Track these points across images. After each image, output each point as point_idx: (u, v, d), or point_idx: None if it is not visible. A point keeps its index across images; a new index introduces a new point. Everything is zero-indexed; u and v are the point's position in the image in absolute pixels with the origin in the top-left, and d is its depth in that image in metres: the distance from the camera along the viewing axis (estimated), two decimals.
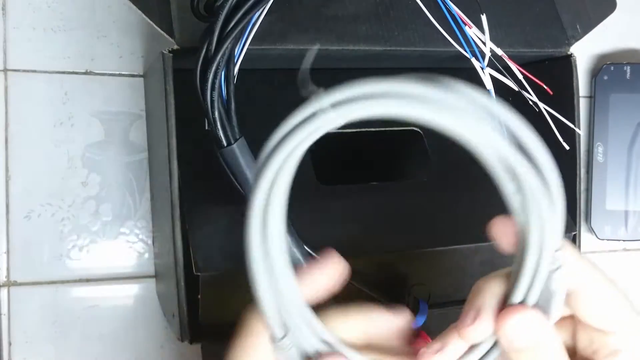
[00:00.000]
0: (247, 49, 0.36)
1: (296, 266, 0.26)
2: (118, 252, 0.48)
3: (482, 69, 0.41)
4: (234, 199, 0.36)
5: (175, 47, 0.36)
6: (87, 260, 0.47)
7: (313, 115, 0.21)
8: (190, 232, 0.37)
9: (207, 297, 0.38)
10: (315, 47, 0.23)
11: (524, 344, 0.24)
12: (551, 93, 0.44)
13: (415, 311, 0.41)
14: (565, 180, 0.51)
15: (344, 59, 0.43)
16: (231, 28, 0.34)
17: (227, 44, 0.34)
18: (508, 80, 0.43)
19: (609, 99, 0.59)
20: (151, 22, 0.36)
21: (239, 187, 0.36)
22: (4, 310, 0.46)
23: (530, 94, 0.43)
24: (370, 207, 0.42)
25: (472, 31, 0.41)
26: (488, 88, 0.42)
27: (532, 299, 0.25)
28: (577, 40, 0.45)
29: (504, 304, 0.25)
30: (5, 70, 0.46)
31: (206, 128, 0.36)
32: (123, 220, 0.48)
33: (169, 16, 0.36)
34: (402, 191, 0.45)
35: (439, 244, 0.42)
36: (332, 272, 0.27)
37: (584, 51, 0.61)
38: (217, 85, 0.34)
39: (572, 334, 0.27)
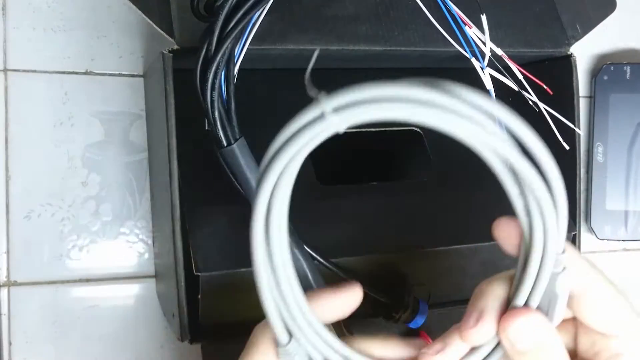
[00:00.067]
0: (247, 49, 0.36)
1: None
2: (118, 252, 0.48)
3: (482, 69, 0.41)
4: (234, 199, 0.36)
5: (175, 47, 0.36)
6: (87, 260, 0.47)
7: (315, 120, 0.21)
8: (190, 232, 0.37)
9: (207, 297, 0.38)
10: (317, 50, 0.23)
11: (527, 346, 0.24)
12: (551, 93, 0.44)
13: (415, 311, 0.41)
14: (565, 180, 0.51)
15: (344, 59, 0.43)
16: (231, 28, 0.34)
17: (227, 44, 0.34)
18: (508, 80, 0.43)
19: (609, 99, 0.59)
20: (151, 22, 0.36)
21: (239, 187, 0.36)
22: (4, 310, 0.46)
23: (530, 94, 0.43)
24: (370, 207, 0.42)
25: (472, 31, 0.41)
26: (488, 88, 0.42)
27: (534, 302, 0.24)
28: (577, 40, 0.45)
29: (507, 307, 0.25)
30: (5, 70, 0.46)
31: (206, 128, 0.36)
32: (123, 220, 0.48)
33: (169, 16, 0.36)
34: (402, 191, 0.45)
35: (439, 244, 0.42)
36: (348, 301, 0.27)
37: (584, 51, 0.60)
38: (217, 85, 0.34)
39: (574, 336, 0.27)
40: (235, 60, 0.36)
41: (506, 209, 0.24)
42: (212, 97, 0.34)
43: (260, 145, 0.31)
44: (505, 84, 0.43)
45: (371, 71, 0.47)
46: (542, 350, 0.24)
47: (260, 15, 0.37)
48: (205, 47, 0.34)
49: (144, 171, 0.49)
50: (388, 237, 0.41)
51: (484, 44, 0.41)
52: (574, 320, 0.27)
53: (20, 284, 0.46)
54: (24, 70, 0.46)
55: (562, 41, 0.45)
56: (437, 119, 0.20)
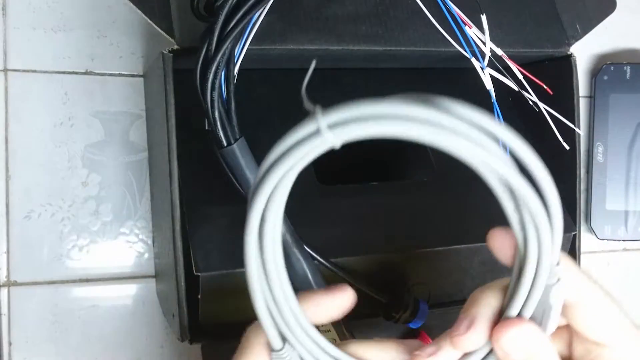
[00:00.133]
0: (247, 49, 0.36)
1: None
2: (118, 252, 0.48)
3: (482, 69, 0.41)
4: (234, 199, 0.36)
5: (175, 47, 0.36)
6: (87, 260, 0.47)
7: (310, 135, 0.21)
8: (190, 232, 0.37)
9: (207, 297, 0.38)
10: (313, 61, 0.23)
11: (520, 357, 0.25)
12: (551, 93, 0.44)
13: (415, 311, 0.41)
14: (565, 180, 0.51)
15: (344, 59, 0.43)
16: (231, 28, 0.34)
17: (227, 44, 0.34)
18: (508, 80, 0.43)
19: (609, 99, 0.59)
20: (151, 22, 0.36)
21: (239, 187, 0.36)
22: (4, 310, 0.46)
23: (530, 94, 0.43)
24: (370, 207, 0.42)
25: (472, 31, 0.41)
26: (488, 88, 0.42)
27: (528, 312, 0.25)
28: (577, 40, 0.45)
29: (500, 316, 0.25)
30: (5, 70, 0.46)
31: (206, 128, 0.36)
32: (123, 220, 0.48)
33: (169, 16, 0.36)
34: (402, 191, 0.45)
35: (439, 244, 0.42)
36: (340, 302, 0.27)
37: (584, 51, 0.61)
38: (217, 85, 0.34)
39: (568, 344, 0.27)
40: (235, 60, 0.36)
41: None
42: (212, 97, 0.34)
43: (260, 145, 0.31)
44: (505, 84, 0.43)
45: (371, 71, 0.47)
46: None
47: (260, 15, 0.37)
48: (205, 47, 0.34)
49: (144, 171, 0.49)
50: (388, 237, 0.41)
51: (484, 44, 0.41)
52: (568, 327, 0.27)
53: (20, 284, 0.46)
54: (24, 70, 0.46)
55: (562, 41, 0.45)
56: (431, 136, 0.20)
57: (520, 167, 0.21)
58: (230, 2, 0.34)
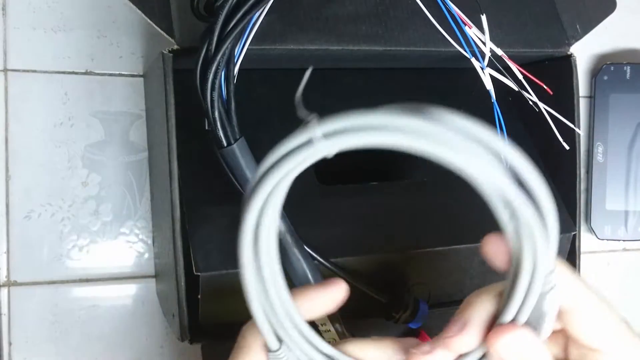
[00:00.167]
0: (247, 49, 0.36)
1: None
2: (118, 252, 0.48)
3: (482, 69, 0.41)
4: (234, 199, 0.36)
5: (175, 47, 0.36)
6: (87, 260, 0.47)
7: (304, 144, 0.21)
8: (190, 232, 0.37)
9: (207, 297, 0.38)
10: (309, 70, 0.23)
11: None
12: (551, 93, 0.44)
13: (415, 311, 0.41)
14: (565, 180, 0.51)
15: (344, 59, 0.43)
16: (231, 28, 0.34)
17: (227, 44, 0.34)
18: (508, 80, 0.43)
19: (609, 99, 0.59)
20: (151, 22, 0.36)
21: (239, 187, 0.36)
22: (4, 310, 0.46)
23: (530, 94, 0.43)
24: (370, 207, 0.42)
25: (472, 31, 0.41)
26: (488, 88, 0.42)
27: (523, 318, 0.25)
28: (577, 40, 0.45)
29: (494, 320, 0.26)
30: (5, 70, 0.46)
31: (206, 128, 0.36)
32: (123, 220, 0.48)
33: (169, 16, 0.36)
34: (402, 191, 0.45)
35: (439, 244, 0.42)
36: (333, 296, 0.28)
37: (584, 51, 0.61)
38: (217, 85, 0.34)
39: (564, 347, 0.28)
40: (235, 60, 0.36)
41: None
42: (212, 97, 0.34)
43: (260, 145, 0.31)
44: (505, 84, 0.43)
45: (371, 71, 0.47)
46: None
47: (260, 15, 0.37)
48: (205, 47, 0.34)
49: (144, 171, 0.49)
50: (388, 237, 0.41)
51: (484, 44, 0.41)
52: (564, 331, 0.27)
53: (20, 284, 0.46)
54: (24, 70, 0.46)
55: (562, 41, 0.45)
56: (423, 146, 0.21)
57: (513, 174, 0.21)
58: (230, 2, 0.34)
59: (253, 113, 0.42)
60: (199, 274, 0.36)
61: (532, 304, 0.25)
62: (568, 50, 0.45)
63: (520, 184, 0.22)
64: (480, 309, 0.26)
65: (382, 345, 0.28)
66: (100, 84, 0.48)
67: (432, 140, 0.20)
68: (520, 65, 0.43)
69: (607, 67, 0.59)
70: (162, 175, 0.39)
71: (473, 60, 0.41)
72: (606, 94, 0.59)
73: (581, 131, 0.45)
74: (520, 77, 0.43)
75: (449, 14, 0.41)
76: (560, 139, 0.44)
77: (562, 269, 0.25)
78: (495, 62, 0.42)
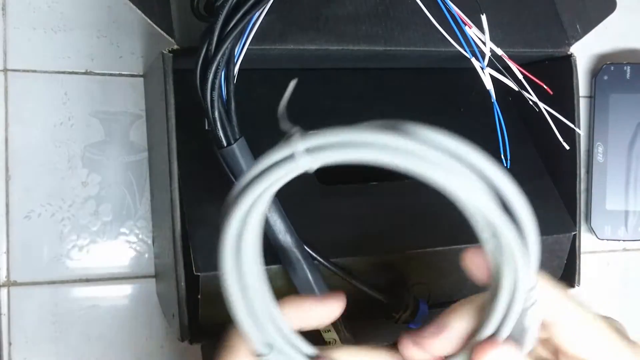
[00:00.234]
0: (247, 49, 0.36)
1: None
2: (118, 252, 0.48)
3: (482, 69, 0.41)
4: None
5: (175, 47, 0.36)
6: (87, 260, 0.47)
7: (286, 159, 0.21)
8: (190, 232, 0.37)
9: (207, 297, 0.38)
10: (293, 82, 0.23)
11: None
12: (551, 93, 0.44)
13: (415, 311, 0.41)
14: (565, 180, 0.51)
15: (344, 59, 0.43)
16: (231, 28, 0.34)
17: (227, 44, 0.34)
18: (508, 80, 0.43)
19: (609, 99, 0.59)
20: (151, 22, 0.36)
21: None
22: (4, 310, 0.46)
23: (530, 94, 0.43)
24: (370, 207, 0.42)
25: (472, 31, 0.41)
26: (488, 88, 0.42)
27: (505, 333, 0.25)
28: (577, 40, 0.45)
29: (474, 332, 0.26)
30: (5, 70, 0.46)
31: (206, 128, 0.36)
32: (123, 220, 0.48)
33: (169, 16, 0.36)
34: (402, 191, 0.45)
35: (439, 244, 0.42)
36: (330, 310, 0.28)
37: (584, 51, 0.60)
38: (217, 85, 0.34)
39: (555, 352, 0.28)
40: (235, 60, 0.36)
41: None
42: (212, 97, 0.34)
43: (260, 146, 0.31)
44: (505, 84, 0.43)
45: (371, 71, 0.47)
46: None
47: (260, 15, 0.37)
48: (205, 47, 0.34)
49: (144, 171, 0.49)
50: (388, 237, 0.41)
51: (484, 44, 0.41)
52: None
53: (20, 284, 0.46)
54: (24, 70, 0.46)
55: (562, 41, 0.45)
56: (404, 164, 0.21)
57: (493, 189, 0.22)
58: (230, 2, 0.34)
59: (253, 113, 0.42)
60: (199, 274, 0.36)
61: (514, 320, 0.25)
62: (568, 50, 0.45)
63: (500, 199, 0.22)
64: (461, 317, 0.26)
65: (375, 352, 0.28)
66: (100, 84, 0.48)
67: (412, 158, 0.21)
68: (520, 65, 0.43)
69: (607, 67, 0.59)
70: (162, 175, 0.39)
71: (473, 60, 0.41)
72: (606, 94, 0.59)
73: (581, 131, 0.45)
74: (520, 77, 0.43)
75: (449, 14, 0.41)
76: (561, 139, 0.44)
77: (543, 283, 0.26)
78: (495, 62, 0.42)
